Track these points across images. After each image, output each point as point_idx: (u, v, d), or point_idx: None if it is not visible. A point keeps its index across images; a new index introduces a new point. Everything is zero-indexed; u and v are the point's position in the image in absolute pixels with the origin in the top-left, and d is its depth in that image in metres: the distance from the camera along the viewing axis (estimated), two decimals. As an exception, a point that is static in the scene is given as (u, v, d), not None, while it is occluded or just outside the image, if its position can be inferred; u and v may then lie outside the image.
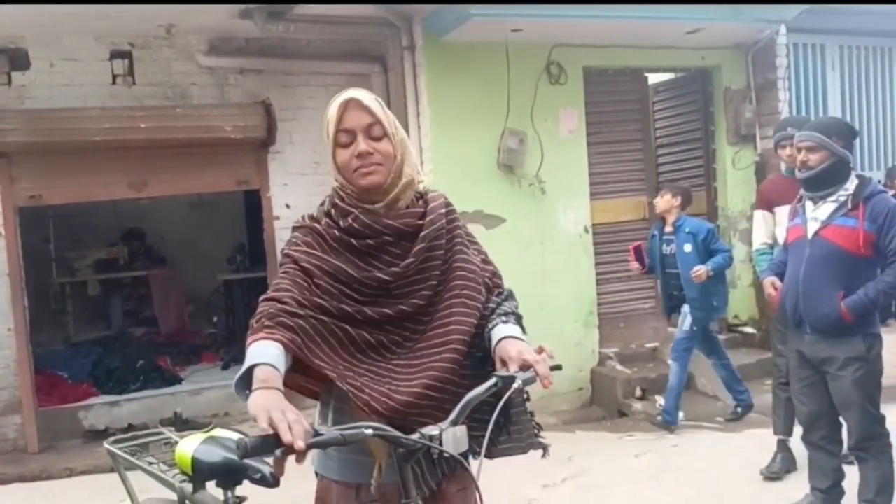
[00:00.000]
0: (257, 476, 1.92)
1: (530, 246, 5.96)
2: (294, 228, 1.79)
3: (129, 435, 2.29)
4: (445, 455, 1.49)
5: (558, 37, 5.93)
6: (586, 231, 6.22)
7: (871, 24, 7.30)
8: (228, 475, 1.94)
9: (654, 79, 6.85)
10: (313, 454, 1.82)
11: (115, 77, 5.85)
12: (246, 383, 1.45)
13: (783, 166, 4.41)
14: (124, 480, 2.19)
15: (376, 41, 6.41)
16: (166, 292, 8.26)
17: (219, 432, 2.03)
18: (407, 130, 6.06)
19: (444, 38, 5.70)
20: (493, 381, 1.63)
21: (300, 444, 1.29)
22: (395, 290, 1.70)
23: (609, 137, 6.45)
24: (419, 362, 1.68)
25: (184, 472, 1.94)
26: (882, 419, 3.33)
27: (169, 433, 2.22)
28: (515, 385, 1.58)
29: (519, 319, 1.81)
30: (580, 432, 5.42)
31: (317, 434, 1.36)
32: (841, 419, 3.42)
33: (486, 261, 1.90)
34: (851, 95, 7.50)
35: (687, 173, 6.81)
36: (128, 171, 5.88)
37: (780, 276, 3.58)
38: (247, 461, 1.87)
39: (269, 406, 1.34)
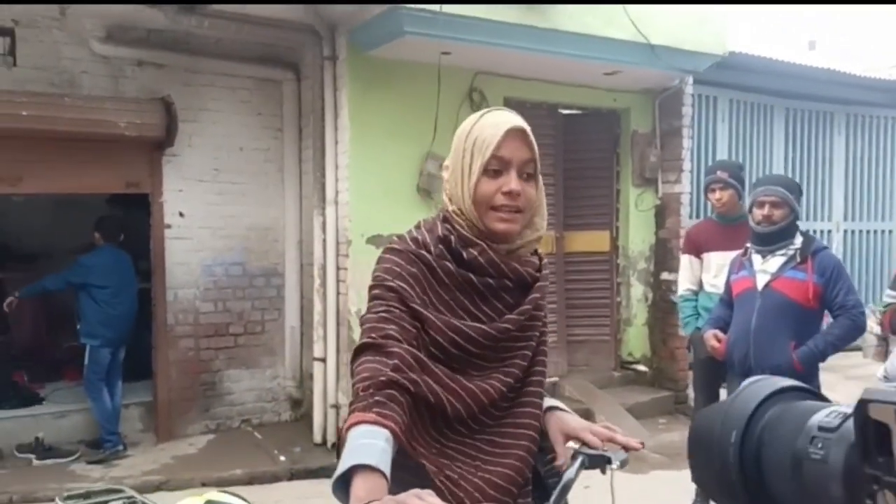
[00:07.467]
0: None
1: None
2: (391, 251, 1.49)
3: (81, 492, 1.89)
4: None
5: (483, 64, 5.85)
6: (498, 262, 6.12)
7: (757, 82, 7.78)
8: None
9: (565, 112, 6.89)
10: None
11: (-8, 55, 5.18)
12: (346, 483, 1.15)
13: (712, 211, 4.50)
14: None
15: (291, 47, 6.07)
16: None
17: (214, 496, 1.71)
18: (323, 145, 5.78)
19: (369, 53, 5.46)
20: (580, 459, 1.48)
21: None
22: (501, 344, 1.49)
23: (525, 170, 6.41)
24: (505, 442, 1.48)
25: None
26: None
27: (130, 491, 1.86)
28: (615, 466, 1.45)
29: None
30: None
31: None
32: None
33: None
34: (737, 147, 7.96)
35: (593, 210, 6.88)
36: (0, 163, 5.19)
37: (721, 329, 3.65)
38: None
39: None
